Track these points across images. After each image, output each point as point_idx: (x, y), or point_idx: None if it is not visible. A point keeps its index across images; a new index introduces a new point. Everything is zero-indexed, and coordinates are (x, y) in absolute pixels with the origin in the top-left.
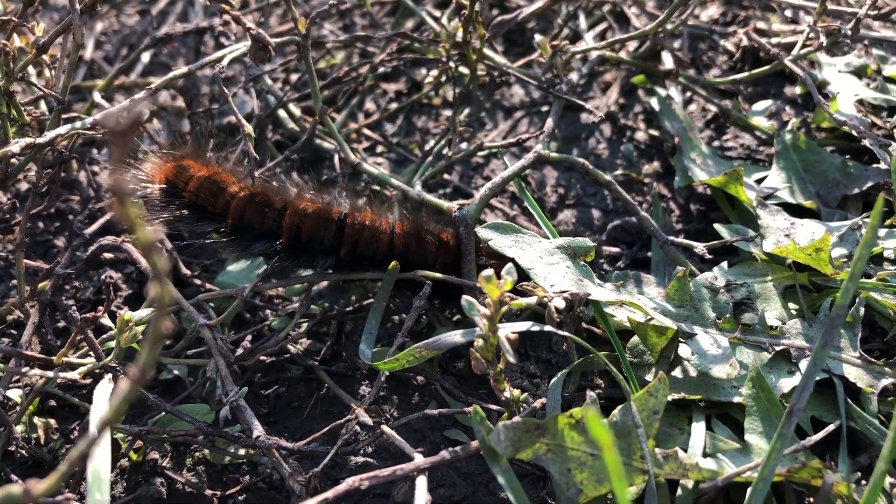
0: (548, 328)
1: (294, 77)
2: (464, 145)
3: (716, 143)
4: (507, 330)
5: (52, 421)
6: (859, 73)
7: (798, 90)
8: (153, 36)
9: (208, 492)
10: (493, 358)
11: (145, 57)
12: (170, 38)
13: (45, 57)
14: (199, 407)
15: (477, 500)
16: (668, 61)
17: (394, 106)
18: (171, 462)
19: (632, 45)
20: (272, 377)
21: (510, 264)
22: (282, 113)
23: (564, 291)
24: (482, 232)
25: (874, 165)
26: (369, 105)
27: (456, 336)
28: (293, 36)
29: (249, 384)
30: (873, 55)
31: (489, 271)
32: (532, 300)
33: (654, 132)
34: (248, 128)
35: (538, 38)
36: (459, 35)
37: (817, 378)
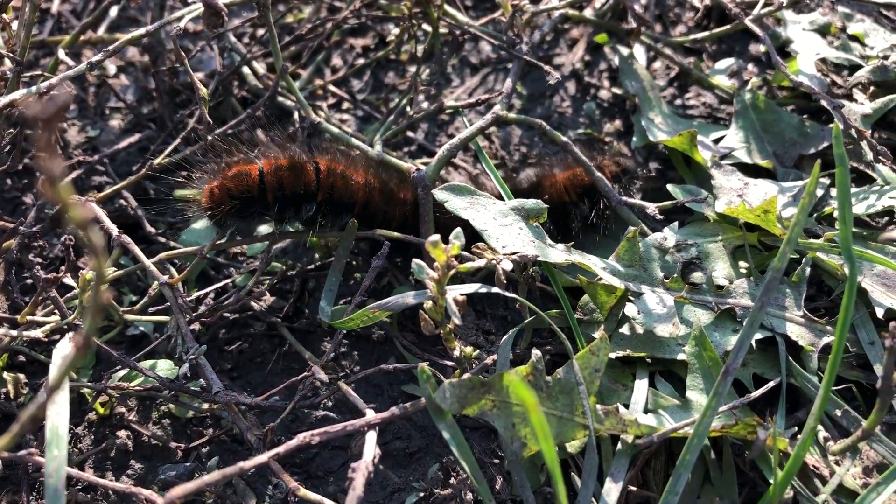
0: (495, 290)
1: (261, 32)
2: (427, 104)
3: (678, 102)
4: (456, 292)
5: (22, 376)
6: (823, 30)
7: (762, 48)
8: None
9: (173, 444)
10: (442, 319)
11: (112, 11)
12: None
13: (4, 16)
14: (162, 362)
15: (431, 452)
16: (631, 20)
17: (361, 61)
18: (138, 415)
19: (598, 2)
20: (236, 333)
21: (458, 229)
22: (246, 70)
23: (514, 253)
24: (438, 194)
25: (831, 125)
26: (336, 60)
27: (408, 297)
28: None
29: (213, 340)
30: (839, 12)
31: (436, 236)
32: (481, 263)
33: (617, 90)
34: (203, 91)
35: None
36: None
37: (762, 336)
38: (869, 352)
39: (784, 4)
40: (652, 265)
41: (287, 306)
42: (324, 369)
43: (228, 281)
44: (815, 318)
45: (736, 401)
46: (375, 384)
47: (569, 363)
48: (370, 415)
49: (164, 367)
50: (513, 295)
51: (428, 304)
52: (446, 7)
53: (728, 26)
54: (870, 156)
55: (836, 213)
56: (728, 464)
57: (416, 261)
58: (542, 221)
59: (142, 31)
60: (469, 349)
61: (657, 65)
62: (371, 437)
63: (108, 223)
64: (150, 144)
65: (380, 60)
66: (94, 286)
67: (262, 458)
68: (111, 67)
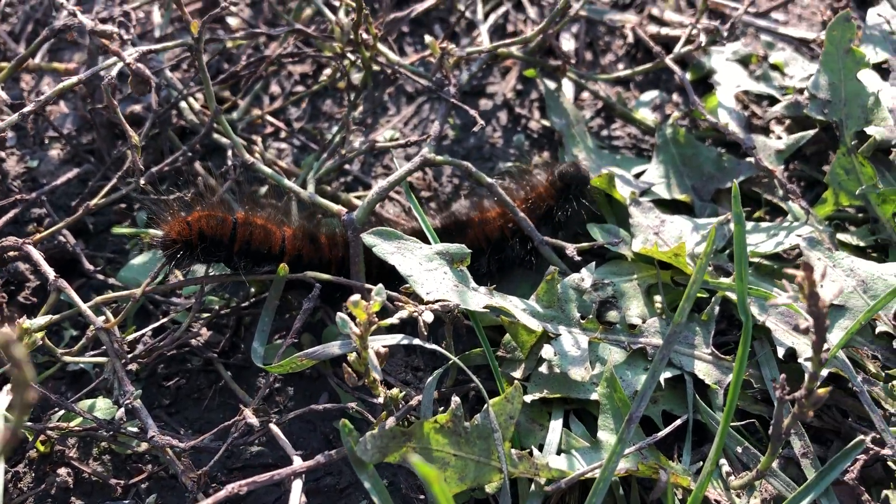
0: (417, 342)
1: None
2: (362, 138)
3: (605, 133)
4: (379, 344)
5: None
6: (746, 60)
7: (689, 76)
8: (51, 27)
9: (113, 481)
10: (365, 370)
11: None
12: (69, 29)
13: None
14: (102, 402)
15: (360, 488)
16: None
17: (299, 89)
18: (78, 452)
19: (528, 33)
20: (174, 369)
21: (380, 285)
22: (184, 104)
23: (436, 302)
24: (367, 238)
25: (748, 159)
26: (275, 87)
27: (334, 348)
28: (186, 41)
29: (152, 375)
30: (762, 41)
31: (356, 296)
32: (403, 314)
33: (546, 122)
34: (135, 138)
35: (428, 39)
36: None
37: (671, 374)
38: (771, 389)
39: (703, 44)
40: (569, 306)
41: (223, 341)
42: (256, 411)
43: (166, 319)
44: (722, 356)
45: (643, 441)
46: (308, 420)
47: (485, 410)
48: (296, 463)
49: (103, 407)
50: (434, 346)
51: (351, 356)
52: (379, 46)
53: (647, 66)
54: (781, 192)
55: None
56: (635, 501)
57: (340, 315)
58: (465, 265)
59: (73, 80)
60: (395, 391)
61: (586, 94)
62: (297, 487)
63: (44, 266)
64: (89, 178)
65: (318, 89)
66: (17, 393)
67: None
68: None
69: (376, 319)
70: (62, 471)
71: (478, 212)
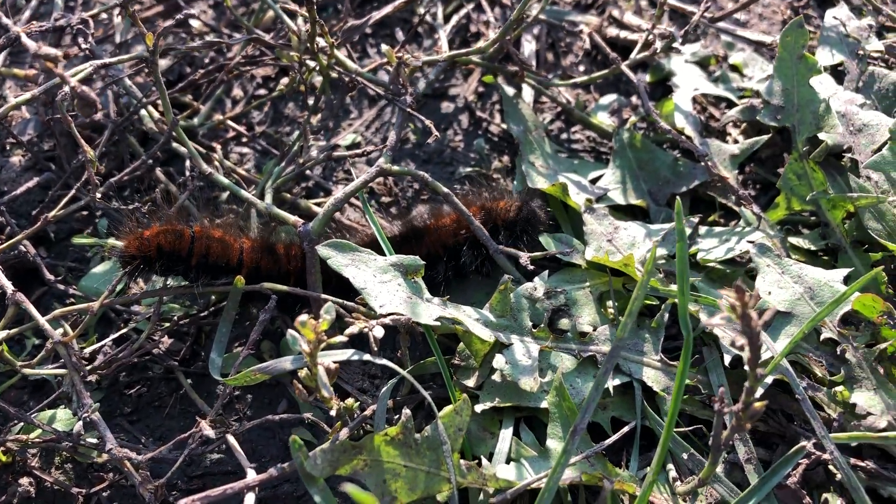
0: (367, 357)
1: (163, 64)
2: (322, 143)
3: (564, 136)
4: (329, 359)
5: None
6: (704, 62)
7: (648, 78)
8: (8, 36)
9: (75, 490)
10: (316, 385)
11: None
12: (27, 35)
13: None
14: (62, 412)
15: None
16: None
17: (261, 92)
18: (40, 461)
19: (485, 42)
20: (135, 377)
21: (329, 304)
22: (144, 112)
23: (389, 315)
24: (322, 250)
25: (702, 163)
26: (237, 91)
27: (286, 363)
28: (142, 53)
29: (114, 384)
30: (722, 41)
31: (304, 317)
32: (354, 330)
33: (505, 126)
34: (91, 153)
35: (385, 48)
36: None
37: (620, 381)
38: (718, 395)
39: (658, 50)
40: (522, 315)
41: (184, 349)
42: (213, 422)
43: (126, 329)
44: (671, 363)
45: (590, 449)
46: (267, 428)
47: (434, 423)
48: (250, 476)
49: (63, 418)
50: (384, 361)
51: (302, 372)
52: (337, 53)
53: (604, 71)
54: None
55: (699, 255)
56: None
57: (290, 332)
58: (420, 276)
59: (27, 95)
60: (350, 401)
61: (545, 98)
62: (250, 500)
63: (3, 280)
64: (49, 186)
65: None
66: None
67: None
68: (11, 101)
69: (325, 338)
70: (24, 480)
71: (435, 219)
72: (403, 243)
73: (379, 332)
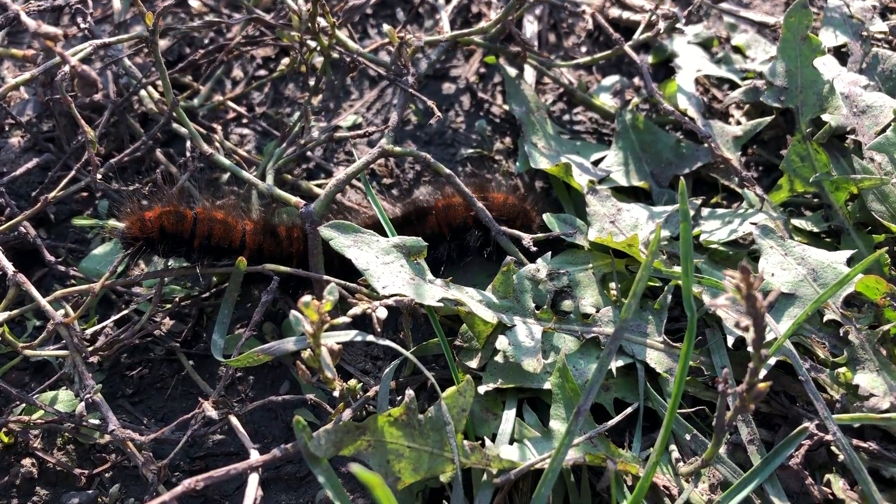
0: (370, 338)
1: (163, 44)
2: (323, 124)
3: (566, 118)
4: (332, 340)
5: None
6: (707, 43)
7: (650, 59)
8: (6, 15)
9: (77, 471)
10: (319, 366)
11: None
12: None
13: None
14: (64, 394)
15: None
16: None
17: (262, 73)
18: (42, 442)
19: (487, 22)
20: (137, 358)
21: (333, 285)
22: (143, 93)
23: (392, 296)
24: (324, 231)
25: (706, 145)
26: (237, 72)
27: (289, 344)
28: (142, 33)
29: (115, 365)
30: (724, 22)
31: (307, 297)
32: (357, 311)
33: (507, 107)
34: (91, 133)
35: (386, 27)
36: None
37: (623, 363)
38: (721, 376)
39: (661, 31)
40: (525, 296)
41: (186, 331)
42: (215, 403)
43: (128, 310)
44: (674, 344)
45: (593, 430)
46: (269, 409)
47: (438, 403)
48: (253, 457)
49: (65, 399)
50: (388, 342)
51: (306, 353)
52: (338, 34)
53: (607, 52)
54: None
55: (702, 237)
56: (585, 489)
57: (293, 313)
58: (422, 257)
59: (27, 75)
60: (353, 382)
61: (548, 79)
62: (253, 480)
63: (4, 261)
64: (49, 167)
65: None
66: None
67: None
68: (10, 80)
69: (328, 318)
70: (26, 461)
71: (438, 198)
72: (406, 225)
73: (382, 314)
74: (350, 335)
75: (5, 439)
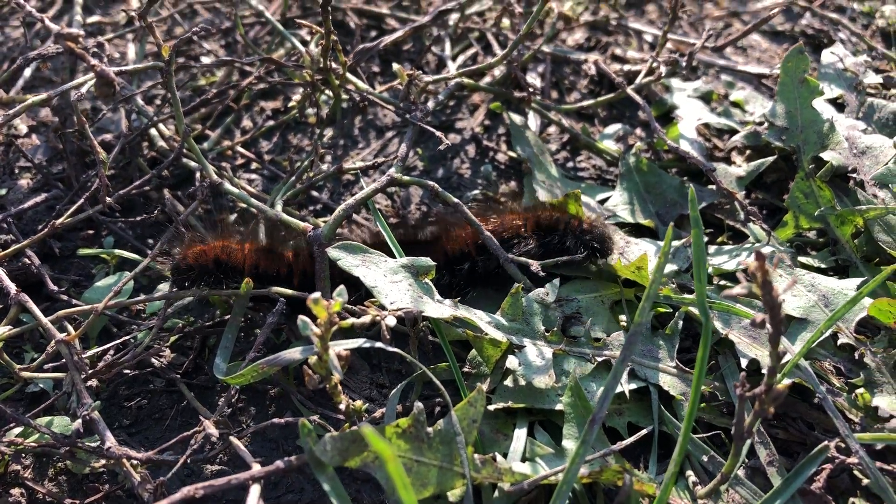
0: (379, 345)
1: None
2: (329, 166)
3: (570, 164)
4: (340, 347)
5: None
6: (707, 97)
7: (651, 112)
8: (26, 57)
9: (68, 501)
10: (326, 373)
11: (26, 72)
12: (43, 59)
13: None
14: (59, 419)
15: None
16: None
17: (270, 123)
18: (33, 472)
19: (495, 72)
20: (136, 389)
21: (342, 286)
22: (154, 131)
23: (400, 309)
24: (332, 252)
25: (710, 187)
26: (247, 122)
27: (295, 353)
28: (157, 63)
29: (113, 396)
30: (722, 80)
31: (316, 294)
32: (366, 319)
33: (513, 154)
34: (103, 154)
35: (395, 66)
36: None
37: (637, 386)
38: (735, 399)
39: (663, 75)
40: (534, 319)
41: (187, 362)
42: (216, 424)
43: (128, 337)
44: (687, 369)
45: (606, 448)
46: (271, 439)
47: (448, 415)
48: (255, 468)
49: (60, 424)
50: (397, 350)
51: (313, 358)
52: (348, 75)
53: (610, 95)
54: (742, 215)
55: (710, 269)
56: None
57: (301, 317)
58: (430, 278)
59: (43, 96)
60: (359, 402)
61: (552, 129)
62: (255, 491)
63: (6, 281)
64: (56, 204)
65: (288, 123)
66: None
67: None
68: (22, 127)
69: (337, 319)
70: (16, 491)
71: (443, 231)
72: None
73: (391, 321)
74: (358, 342)
75: None
